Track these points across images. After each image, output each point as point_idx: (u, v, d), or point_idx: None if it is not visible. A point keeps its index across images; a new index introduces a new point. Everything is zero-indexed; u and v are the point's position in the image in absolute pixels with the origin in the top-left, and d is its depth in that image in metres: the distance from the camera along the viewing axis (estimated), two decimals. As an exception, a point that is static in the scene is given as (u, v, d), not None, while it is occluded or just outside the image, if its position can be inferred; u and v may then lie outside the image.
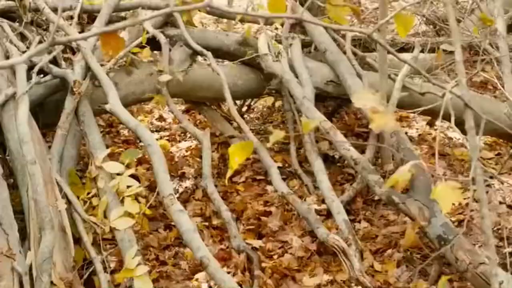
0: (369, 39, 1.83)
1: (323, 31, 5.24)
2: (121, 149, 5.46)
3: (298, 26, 5.53)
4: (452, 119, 2.35)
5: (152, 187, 4.66)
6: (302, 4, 5.44)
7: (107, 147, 5.39)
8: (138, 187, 3.73)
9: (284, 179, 4.54)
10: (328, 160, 5.09)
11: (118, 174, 3.81)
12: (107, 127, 5.92)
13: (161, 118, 6.33)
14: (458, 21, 8.09)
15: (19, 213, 3.78)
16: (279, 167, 4.77)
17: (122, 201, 3.76)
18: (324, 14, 5.69)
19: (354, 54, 5.15)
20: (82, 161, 4.97)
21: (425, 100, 4.96)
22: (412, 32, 8.45)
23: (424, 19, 8.11)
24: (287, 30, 5.18)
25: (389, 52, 3.86)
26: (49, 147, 5.08)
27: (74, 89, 4.02)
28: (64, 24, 4.41)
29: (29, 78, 4.05)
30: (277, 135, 1.86)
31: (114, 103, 4.03)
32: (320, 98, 5.10)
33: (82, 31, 5.14)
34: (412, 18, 2.46)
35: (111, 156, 5.13)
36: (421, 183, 4.02)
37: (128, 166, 3.94)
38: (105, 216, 3.75)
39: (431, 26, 7.86)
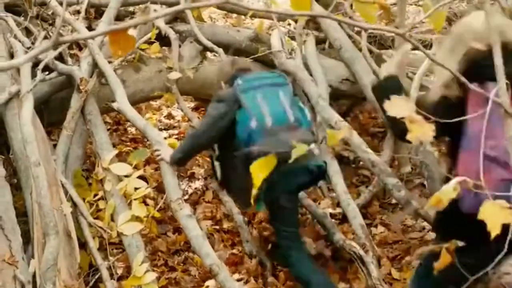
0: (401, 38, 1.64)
1: (338, 27, 5.06)
2: (128, 148, 5.30)
3: (311, 22, 5.36)
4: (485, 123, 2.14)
5: (160, 188, 4.50)
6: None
7: (114, 145, 5.25)
8: (146, 189, 3.57)
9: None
10: (342, 161, 4.92)
11: (125, 176, 3.66)
12: (114, 124, 5.76)
13: (169, 116, 6.17)
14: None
15: (23, 215, 3.63)
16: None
17: (129, 204, 3.62)
18: (338, 9, 5.52)
19: (370, 51, 4.98)
20: (88, 160, 4.82)
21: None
22: (426, 28, 8.29)
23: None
24: (301, 26, 4.99)
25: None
26: (54, 145, 4.96)
27: (81, 87, 3.86)
28: (71, 19, 4.25)
29: (33, 75, 3.90)
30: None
31: (122, 102, 3.87)
32: (334, 96, 4.93)
33: (89, 26, 4.98)
34: (443, 14, 2.29)
35: (118, 156, 5.00)
36: (441, 187, 3.85)
37: (136, 167, 3.79)
38: (112, 219, 3.61)
39: (446, 22, 7.70)
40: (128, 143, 5.41)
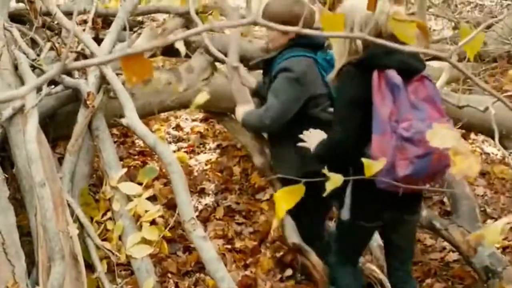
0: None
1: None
2: (136, 162, 5.15)
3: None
4: (496, 136, 2.04)
5: (169, 204, 4.35)
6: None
7: (122, 159, 5.10)
8: (157, 211, 3.40)
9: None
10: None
11: (135, 196, 3.50)
12: (121, 136, 5.61)
13: (178, 127, 6.01)
14: (488, 26, 7.76)
15: (27, 234, 3.47)
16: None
17: (138, 223, 3.46)
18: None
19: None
20: (95, 174, 4.67)
21: (462, 113, 4.62)
22: (437, 37, 8.12)
23: (452, 23, 7.76)
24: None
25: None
26: (60, 158, 4.80)
27: (88, 102, 3.69)
28: (78, 30, 4.09)
29: (38, 88, 3.75)
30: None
31: (131, 117, 3.69)
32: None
33: (96, 36, 4.83)
34: (481, 37, 2.13)
35: (126, 170, 4.85)
36: (466, 208, 3.69)
37: (145, 185, 3.63)
38: (120, 238, 3.45)
39: (457, 31, 7.52)
40: (136, 157, 5.25)
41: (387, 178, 2.50)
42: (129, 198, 3.51)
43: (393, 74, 2.61)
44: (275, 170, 3.53)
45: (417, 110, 2.62)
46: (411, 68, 2.69)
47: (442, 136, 1.50)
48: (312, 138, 3.07)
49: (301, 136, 3.15)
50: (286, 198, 1.60)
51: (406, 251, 3.20)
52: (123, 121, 3.70)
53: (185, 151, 5.35)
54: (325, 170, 1.66)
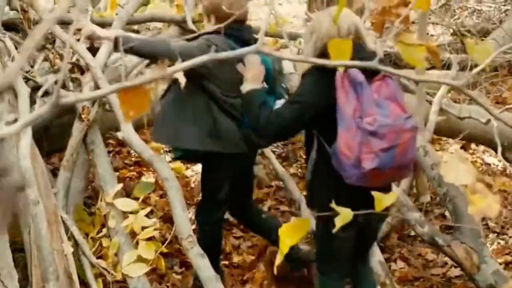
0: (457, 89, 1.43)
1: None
2: (132, 173, 5.06)
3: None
4: (499, 149, 1.99)
5: (166, 217, 4.27)
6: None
7: (117, 170, 5.01)
8: (153, 229, 3.32)
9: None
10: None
11: (131, 213, 3.42)
12: (116, 146, 5.50)
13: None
14: (487, 32, 7.69)
15: (21, 250, 3.39)
16: (305, 195, 4.37)
17: (134, 239, 3.38)
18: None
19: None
20: (90, 185, 4.58)
21: (463, 124, 4.57)
22: (436, 42, 8.03)
23: (451, 30, 7.69)
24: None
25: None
26: (54, 169, 4.71)
27: (83, 116, 3.61)
28: (73, 42, 4.00)
29: (32, 99, 3.68)
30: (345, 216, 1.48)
31: (127, 131, 3.61)
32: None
33: (91, 46, 4.75)
34: (490, 48, 2.06)
35: (122, 181, 4.76)
36: (468, 224, 3.61)
37: (143, 201, 3.56)
38: (116, 255, 3.37)
39: (456, 37, 7.45)
40: (132, 167, 5.16)
41: (353, 173, 2.67)
42: (125, 214, 3.43)
43: (355, 73, 2.67)
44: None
45: (380, 107, 2.70)
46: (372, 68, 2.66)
47: (457, 171, 1.42)
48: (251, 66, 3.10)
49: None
50: (291, 233, 1.53)
51: (369, 250, 3.30)
52: (119, 135, 3.63)
53: (181, 162, 5.25)
54: (333, 204, 1.59)
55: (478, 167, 4.99)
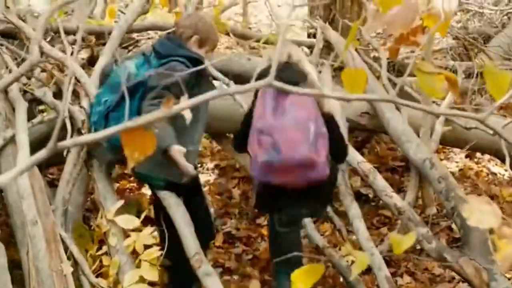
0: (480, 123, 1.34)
1: (355, 54, 4.75)
2: (132, 184, 4.97)
3: (325, 48, 5.06)
4: (507, 160, 1.91)
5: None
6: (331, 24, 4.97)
7: (116, 181, 4.92)
8: (157, 251, 3.22)
9: (314, 221, 4.05)
10: (361, 199, 4.60)
11: (132, 230, 3.33)
12: (116, 156, 5.41)
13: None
14: (489, 36, 7.59)
15: (18, 267, 3.30)
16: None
17: (136, 256, 3.29)
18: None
19: (389, 79, 4.67)
20: (89, 197, 4.48)
21: (469, 134, 4.48)
22: (438, 46, 7.93)
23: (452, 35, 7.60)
24: (318, 55, 4.64)
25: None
26: (52, 181, 4.62)
27: (83, 131, 3.52)
28: (69, 60, 3.89)
29: (29, 111, 3.60)
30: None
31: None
32: (350, 129, 4.60)
33: (91, 55, 4.67)
34: (507, 76, 1.97)
35: (121, 193, 4.67)
36: (477, 239, 3.53)
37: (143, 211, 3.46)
38: (117, 273, 3.28)
39: (458, 41, 7.35)
40: (131, 178, 5.06)
41: (255, 168, 3.20)
42: (126, 234, 3.34)
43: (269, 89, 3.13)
44: None
45: (278, 111, 3.17)
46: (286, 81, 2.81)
47: (481, 213, 1.34)
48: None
49: None
50: (304, 277, 1.45)
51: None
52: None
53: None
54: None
55: (484, 177, 4.91)
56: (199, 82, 3.28)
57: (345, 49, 2.45)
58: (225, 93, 1.30)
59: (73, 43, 4.33)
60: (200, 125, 3.42)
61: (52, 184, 4.59)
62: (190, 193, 3.51)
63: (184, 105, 1.28)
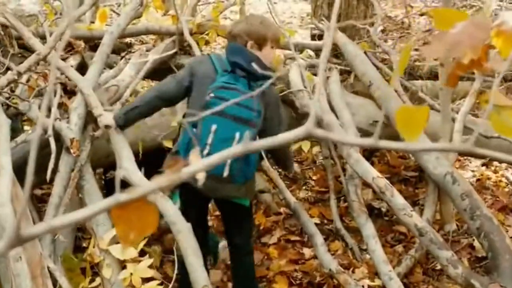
0: None
1: (365, 59, 4.42)
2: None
3: (332, 50, 4.73)
4: None
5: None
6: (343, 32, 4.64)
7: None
8: (158, 285, 2.89)
9: (324, 239, 3.73)
10: (373, 213, 4.27)
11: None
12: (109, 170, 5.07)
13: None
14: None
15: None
16: (316, 224, 3.97)
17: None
18: (361, 36, 4.89)
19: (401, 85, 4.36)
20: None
21: (489, 142, 4.16)
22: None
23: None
24: (325, 61, 4.30)
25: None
26: (41, 195, 4.28)
27: (72, 150, 3.19)
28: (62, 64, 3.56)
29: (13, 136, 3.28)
30: None
31: (129, 168, 3.14)
32: (361, 137, 4.28)
33: (82, 61, 4.33)
34: None
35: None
36: (508, 264, 3.22)
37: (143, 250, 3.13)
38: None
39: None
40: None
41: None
42: (122, 265, 3.02)
43: None
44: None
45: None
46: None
47: None
48: None
49: None
50: None
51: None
52: (119, 173, 3.17)
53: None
54: None
55: (504, 188, 4.59)
56: None
57: (394, 74, 2.10)
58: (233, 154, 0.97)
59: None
60: None
61: (42, 200, 4.26)
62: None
63: (197, 168, 0.95)
